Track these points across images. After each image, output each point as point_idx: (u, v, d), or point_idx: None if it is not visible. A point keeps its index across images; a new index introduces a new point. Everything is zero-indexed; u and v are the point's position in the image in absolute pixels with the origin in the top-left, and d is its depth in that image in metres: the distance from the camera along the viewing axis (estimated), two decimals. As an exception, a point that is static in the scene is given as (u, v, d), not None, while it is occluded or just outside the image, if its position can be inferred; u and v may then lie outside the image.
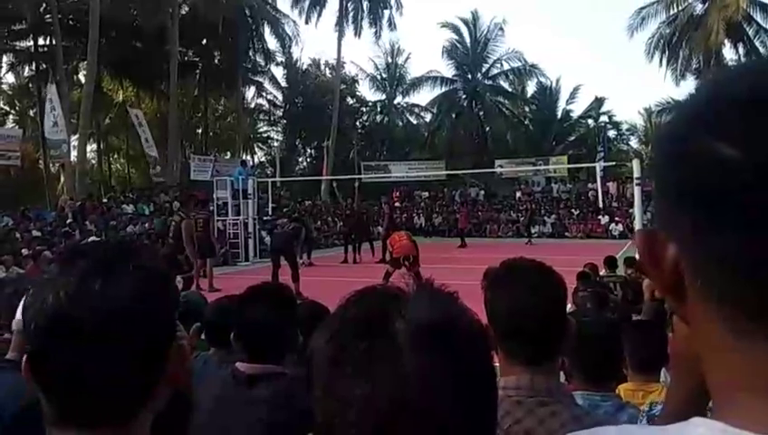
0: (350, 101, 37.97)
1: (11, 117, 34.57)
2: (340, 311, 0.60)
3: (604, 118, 36.98)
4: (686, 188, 0.45)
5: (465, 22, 37.11)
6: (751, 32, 29.03)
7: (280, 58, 35.90)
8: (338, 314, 0.60)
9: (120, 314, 0.68)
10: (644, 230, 0.50)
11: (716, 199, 0.42)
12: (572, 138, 37.31)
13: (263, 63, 35.10)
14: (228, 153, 34.73)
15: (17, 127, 31.73)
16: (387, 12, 34.64)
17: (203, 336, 2.68)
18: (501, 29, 36.54)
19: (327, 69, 38.58)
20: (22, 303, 0.73)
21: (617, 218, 25.40)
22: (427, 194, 31.97)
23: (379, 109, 39.70)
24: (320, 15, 33.64)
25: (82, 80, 27.69)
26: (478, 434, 0.56)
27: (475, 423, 0.55)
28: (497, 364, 1.35)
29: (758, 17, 28.72)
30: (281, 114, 39.01)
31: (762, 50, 28.78)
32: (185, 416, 1.36)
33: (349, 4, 33.91)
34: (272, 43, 34.22)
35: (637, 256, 9.68)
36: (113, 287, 0.69)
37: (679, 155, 0.45)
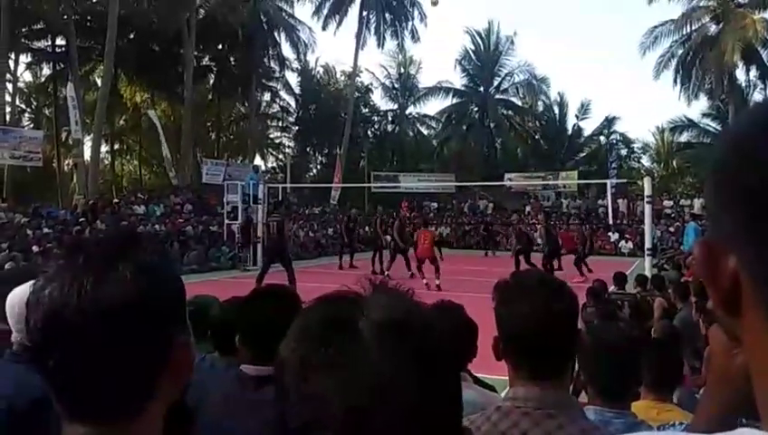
0: (362, 109, 38.10)
1: (26, 115, 34.94)
2: (305, 317, 0.64)
3: (615, 136, 36.89)
4: (761, 199, 0.43)
5: (479, 33, 37.29)
6: (765, 55, 28.99)
7: (295, 65, 36.17)
8: (303, 320, 0.63)
9: (110, 315, 0.68)
10: (703, 240, 0.49)
11: None
12: (583, 154, 37.24)
13: (277, 69, 35.33)
14: (240, 157, 34.89)
15: (32, 126, 32.07)
16: (410, 23, 34.91)
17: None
18: (512, 42, 36.73)
19: (343, 76, 38.78)
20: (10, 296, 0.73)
21: (627, 236, 25.26)
22: (435, 205, 32.01)
23: (390, 118, 39.82)
24: (339, 24, 33.90)
25: (98, 81, 27.95)
26: (445, 412, 0.61)
27: (442, 402, 0.60)
28: (506, 377, 1.35)
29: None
30: (293, 120, 39.17)
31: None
32: (188, 422, 1.37)
33: (370, 16, 34.10)
34: (287, 49, 34.51)
35: (648, 274, 9.65)
36: (105, 287, 0.69)
37: (755, 163, 0.43)
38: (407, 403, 0.56)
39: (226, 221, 20.22)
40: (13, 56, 29.96)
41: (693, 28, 29.88)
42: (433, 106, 51.68)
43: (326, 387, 0.56)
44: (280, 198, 18.47)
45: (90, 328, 0.68)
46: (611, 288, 8.27)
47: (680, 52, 30.48)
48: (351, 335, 0.59)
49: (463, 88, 37.73)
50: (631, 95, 71.76)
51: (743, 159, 0.45)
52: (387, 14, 34.54)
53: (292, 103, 38.65)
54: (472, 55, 37.31)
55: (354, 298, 0.64)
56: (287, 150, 39.81)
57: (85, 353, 0.68)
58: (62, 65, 28.77)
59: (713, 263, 0.47)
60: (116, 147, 35.70)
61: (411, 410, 0.57)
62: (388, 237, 16.64)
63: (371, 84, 38.79)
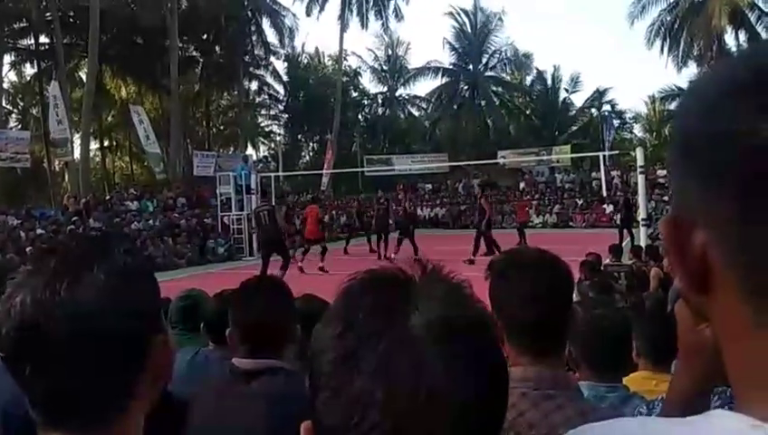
0: (352, 93, 37.94)
1: (14, 116, 34.62)
2: (347, 301, 0.56)
3: (607, 107, 36.88)
4: (730, 172, 0.40)
5: (466, 12, 37.11)
6: (753, 17, 28.89)
7: (281, 51, 35.93)
8: (346, 305, 0.56)
9: (86, 319, 0.67)
10: (669, 216, 0.46)
11: (766, 186, 0.39)
12: (575, 127, 37.24)
13: (263, 57, 35.08)
14: (231, 148, 34.74)
15: (20, 126, 31.80)
16: (392, 2, 34.68)
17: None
18: (500, 19, 36.61)
19: (329, 61, 38.55)
20: None
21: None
22: (430, 186, 31.99)
23: (380, 101, 39.67)
24: (322, 8, 33.63)
25: (84, 78, 27.72)
26: (493, 423, 0.56)
27: (492, 413, 0.55)
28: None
29: (760, 2, 28.57)
30: (283, 108, 39.01)
31: (764, 35, 28.61)
32: (177, 418, 1.35)
33: (351, -3, 33.85)
34: (272, 36, 34.28)
35: (642, 244, 9.67)
36: (79, 290, 0.67)
37: (723, 134, 0.40)
38: (456, 411, 0.51)
39: (220, 213, 20.19)
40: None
41: (681, -6, 29.81)
42: (423, 87, 51.53)
43: (372, 390, 0.51)
44: (261, 186, 18.24)
45: (65, 334, 0.66)
46: (607, 260, 8.31)
47: (668, 19, 30.38)
48: (403, 331, 0.53)
49: (452, 67, 37.61)
50: (622, 66, 71.73)
51: (719, 129, 0.41)
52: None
53: (281, 91, 38.50)
54: (460, 33, 37.13)
55: (406, 284, 0.57)
56: (278, 138, 39.72)
57: (61, 360, 0.67)
58: (47, 63, 28.48)
59: (680, 240, 0.44)
60: (105, 143, 35.46)
61: (459, 419, 0.51)
62: (390, 221, 16.84)
63: (359, 68, 38.73)
